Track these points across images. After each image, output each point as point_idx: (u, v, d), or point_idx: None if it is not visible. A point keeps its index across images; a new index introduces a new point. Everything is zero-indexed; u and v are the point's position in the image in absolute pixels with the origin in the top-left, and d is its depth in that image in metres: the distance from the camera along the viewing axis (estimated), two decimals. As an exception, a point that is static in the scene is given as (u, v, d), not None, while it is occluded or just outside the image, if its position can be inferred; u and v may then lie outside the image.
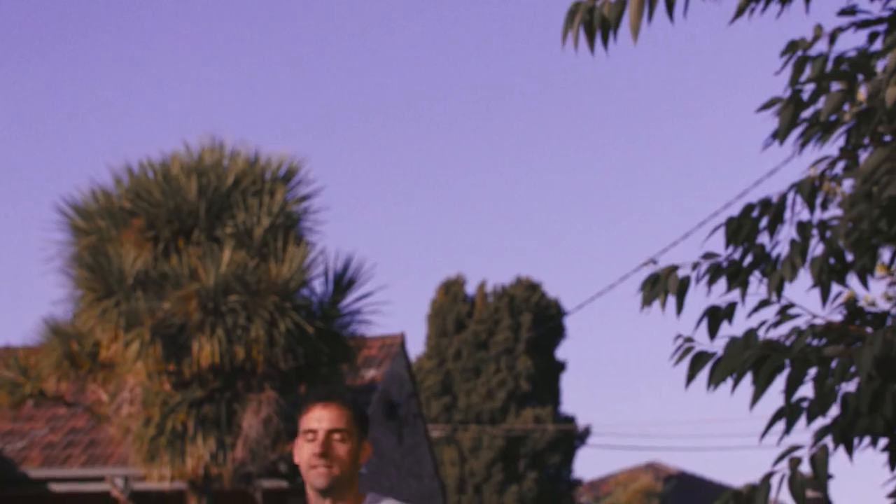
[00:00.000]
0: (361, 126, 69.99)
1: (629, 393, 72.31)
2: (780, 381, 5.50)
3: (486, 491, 36.83)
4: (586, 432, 38.73)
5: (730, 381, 5.56)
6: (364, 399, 18.89)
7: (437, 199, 71.32)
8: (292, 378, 15.85)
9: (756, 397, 5.51)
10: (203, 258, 15.57)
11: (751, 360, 5.47)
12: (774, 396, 7.74)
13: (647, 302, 5.98)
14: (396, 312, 77.65)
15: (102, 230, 15.82)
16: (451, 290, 39.22)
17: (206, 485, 15.59)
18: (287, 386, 15.84)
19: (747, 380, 5.54)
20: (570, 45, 5.52)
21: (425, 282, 76.05)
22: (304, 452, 4.56)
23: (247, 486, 16.18)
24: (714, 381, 5.54)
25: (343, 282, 16.31)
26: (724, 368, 5.50)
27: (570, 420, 38.53)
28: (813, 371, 5.54)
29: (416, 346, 41.74)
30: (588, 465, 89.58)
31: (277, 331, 15.28)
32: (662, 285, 5.97)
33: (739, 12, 5.72)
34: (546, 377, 38.21)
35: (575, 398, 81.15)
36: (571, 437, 38.24)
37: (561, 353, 39.52)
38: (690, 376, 5.65)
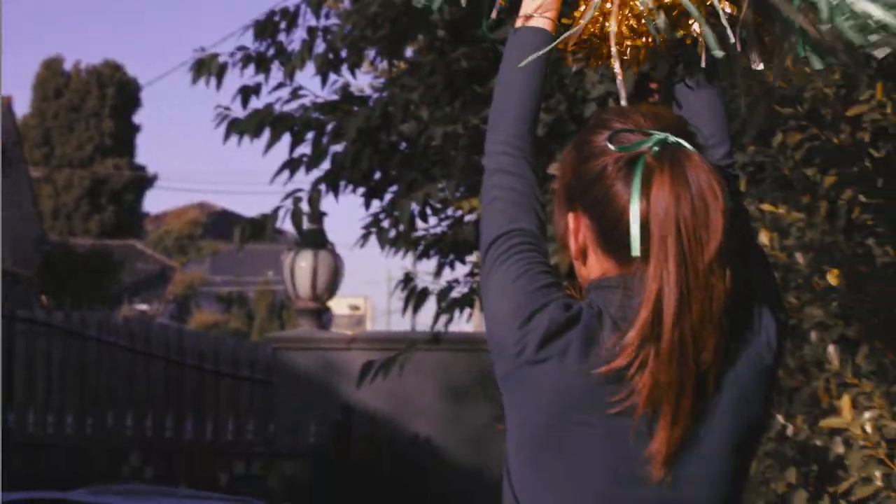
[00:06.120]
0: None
1: (189, 149, 71.83)
2: (287, 140, 5.63)
3: (76, 218, 36.18)
4: (154, 178, 38.87)
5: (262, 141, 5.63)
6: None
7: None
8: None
9: (268, 147, 5.62)
10: None
11: (268, 121, 5.57)
12: (284, 152, 7.83)
13: (195, 80, 6.04)
14: (6, 82, 73.66)
15: None
16: (52, 66, 37.74)
17: None
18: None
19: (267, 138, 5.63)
20: None
21: (31, 59, 72.58)
22: None
23: None
24: (239, 134, 5.61)
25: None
26: (248, 128, 5.57)
27: (142, 168, 38.47)
28: (311, 135, 5.68)
29: (23, 108, 39.92)
30: (156, 202, 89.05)
31: None
32: (207, 68, 5.99)
33: None
34: (124, 135, 37.84)
35: (148, 152, 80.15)
36: (143, 181, 38.10)
37: (137, 118, 38.90)
38: (227, 136, 5.74)
